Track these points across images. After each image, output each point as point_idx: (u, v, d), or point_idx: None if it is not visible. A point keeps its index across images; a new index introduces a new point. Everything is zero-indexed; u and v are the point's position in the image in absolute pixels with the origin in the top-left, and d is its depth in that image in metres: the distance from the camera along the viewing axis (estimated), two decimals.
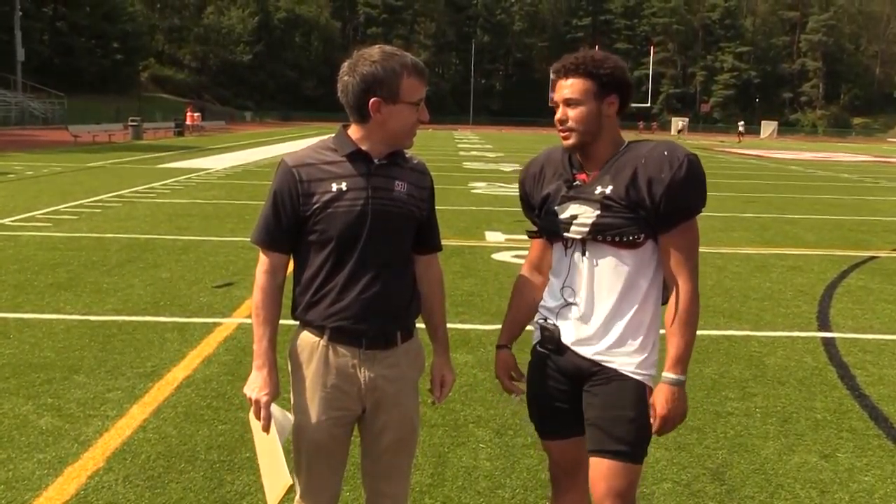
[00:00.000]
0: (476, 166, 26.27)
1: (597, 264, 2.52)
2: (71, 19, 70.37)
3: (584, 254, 2.54)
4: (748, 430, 4.63)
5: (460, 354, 5.69)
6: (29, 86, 56.85)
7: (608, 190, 2.47)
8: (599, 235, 2.49)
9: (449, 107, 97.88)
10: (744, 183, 22.72)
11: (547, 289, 2.70)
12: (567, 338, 2.58)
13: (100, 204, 13.90)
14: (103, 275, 8.20)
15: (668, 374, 2.47)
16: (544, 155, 2.72)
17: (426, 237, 2.61)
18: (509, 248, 10.43)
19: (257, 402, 2.43)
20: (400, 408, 2.54)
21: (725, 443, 4.44)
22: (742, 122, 74.01)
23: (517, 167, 25.13)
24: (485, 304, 7.36)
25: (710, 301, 7.64)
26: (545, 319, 2.65)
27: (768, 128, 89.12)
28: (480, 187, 18.84)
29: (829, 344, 6.47)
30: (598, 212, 2.48)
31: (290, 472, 2.48)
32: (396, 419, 2.55)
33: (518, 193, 2.80)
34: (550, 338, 2.61)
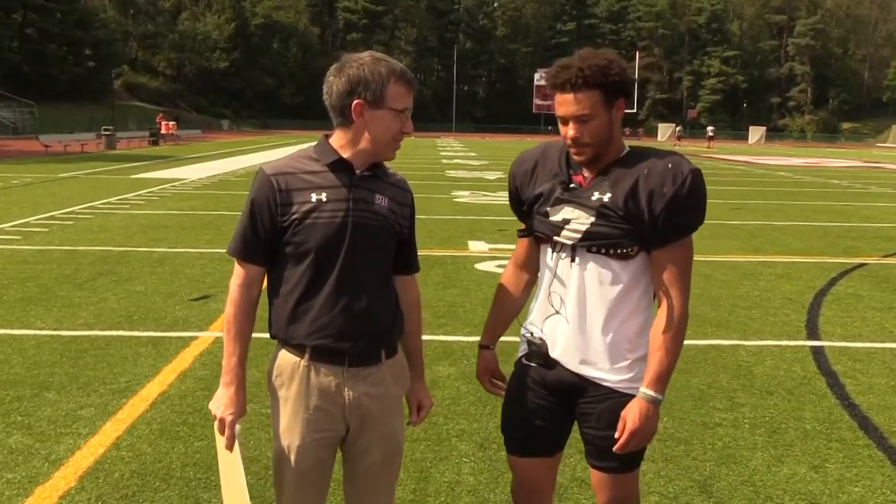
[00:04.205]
0: (459, 175, 26.27)
1: (586, 273, 2.48)
2: (41, 26, 70.02)
3: (573, 260, 2.49)
4: (736, 442, 4.66)
5: (443, 367, 5.69)
6: None
7: (606, 198, 2.42)
8: (592, 245, 2.45)
9: (431, 114, 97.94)
10: (731, 189, 22.84)
11: (534, 297, 2.67)
12: (556, 352, 2.56)
13: (72, 216, 13.83)
14: (75, 288, 8.16)
15: (648, 392, 2.43)
16: (539, 150, 2.65)
17: (404, 257, 2.59)
18: (493, 257, 10.42)
19: (222, 420, 2.42)
20: (385, 426, 2.52)
21: (713, 454, 4.47)
22: (712, 128, 74.30)
23: (501, 175, 25.18)
24: (468, 314, 7.36)
25: (698, 310, 7.67)
26: (531, 333, 2.62)
27: (756, 133, 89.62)
28: (464, 196, 18.86)
29: (818, 353, 6.52)
30: (593, 219, 2.43)
31: (270, 498, 2.47)
32: (381, 438, 2.52)
33: (507, 188, 2.74)
34: (538, 352, 2.58)
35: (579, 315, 2.50)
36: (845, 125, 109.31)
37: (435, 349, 6.07)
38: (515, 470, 2.77)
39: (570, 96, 2.39)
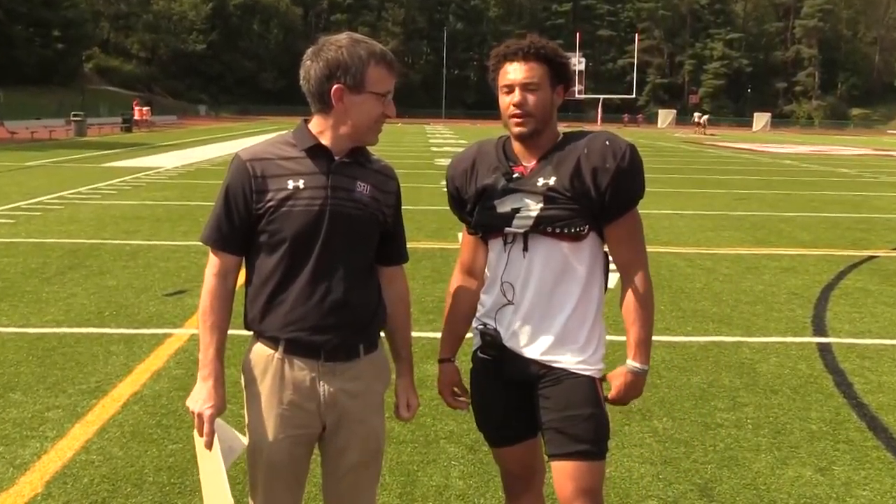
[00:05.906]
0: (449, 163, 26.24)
1: (538, 258, 2.59)
2: (7, 6, 69.39)
3: (525, 248, 2.61)
4: (739, 443, 4.67)
5: (431, 366, 5.68)
6: None
7: (552, 181, 2.56)
8: (549, 227, 2.55)
9: (420, 99, 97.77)
10: (735, 179, 22.92)
11: (483, 290, 2.77)
12: (509, 341, 2.65)
13: (39, 206, 13.78)
14: (43, 283, 8.13)
15: (634, 364, 2.61)
16: (474, 149, 2.80)
17: (390, 248, 2.60)
18: None
19: (200, 415, 2.39)
20: (363, 425, 2.53)
21: (714, 456, 4.48)
22: (702, 115, 73.93)
23: None
24: None
25: (699, 305, 7.71)
26: (484, 325, 2.72)
27: (761, 120, 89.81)
28: None
29: (824, 350, 6.54)
30: (542, 204, 2.56)
31: (241, 496, 2.46)
32: (359, 437, 2.53)
33: (447, 192, 2.85)
34: (492, 343, 2.67)
35: (531, 302, 2.62)
36: (854, 111, 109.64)
37: (423, 347, 6.06)
38: (502, 460, 2.89)
39: (522, 64, 2.58)
